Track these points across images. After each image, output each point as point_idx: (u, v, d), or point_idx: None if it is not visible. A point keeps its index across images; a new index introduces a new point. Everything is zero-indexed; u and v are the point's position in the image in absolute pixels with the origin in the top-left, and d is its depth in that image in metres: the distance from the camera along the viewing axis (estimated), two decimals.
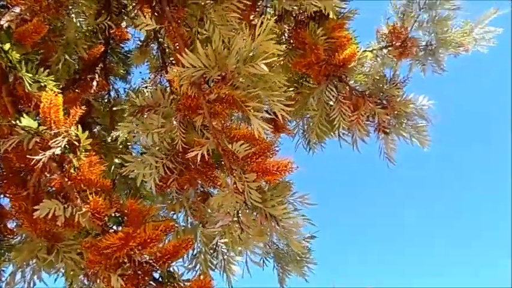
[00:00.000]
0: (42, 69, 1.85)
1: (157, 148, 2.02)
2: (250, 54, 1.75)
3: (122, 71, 3.57)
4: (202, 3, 2.15)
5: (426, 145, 2.54)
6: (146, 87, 3.25)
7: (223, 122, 1.88)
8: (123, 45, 3.81)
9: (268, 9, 2.98)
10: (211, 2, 2.13)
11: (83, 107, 1.87)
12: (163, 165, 1.97)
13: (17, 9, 2.17)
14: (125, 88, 3.77)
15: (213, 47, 1.78)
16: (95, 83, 3.18)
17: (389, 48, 3.79)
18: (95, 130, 3.48)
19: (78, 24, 2.55)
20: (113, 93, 3.64)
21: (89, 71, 3.19)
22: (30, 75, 1.76)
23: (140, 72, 3.45)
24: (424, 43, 3.84)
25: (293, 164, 1.74)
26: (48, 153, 1.69)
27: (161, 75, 3.18)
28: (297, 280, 2.43)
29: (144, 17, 2.08)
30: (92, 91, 3.20)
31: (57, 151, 1.69)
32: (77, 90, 3.10)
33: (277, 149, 1.80)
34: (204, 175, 2.00)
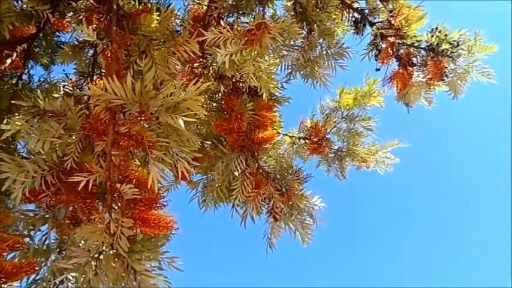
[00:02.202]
0: None
1: (43, 157, 1.86)
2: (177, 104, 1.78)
3: (45, 60, 3.33)
4: (150, 37, 2.16)
5: (306, 243, 2.69)
6: (64, 86, 3.04)
7: (122, 158, 1.82)
8: (59, 34, 3.60)
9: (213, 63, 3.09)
10: (160, 41, 2.15)
11: None
12: (42, 177, 1.81)
13: None
14: (41, 76, 3.51)
15: (144, 84, 1.78)
16: (8, 61, 2.90)
17: (307, 140, 4.13)
18: None
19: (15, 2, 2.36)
20: (25, 77, 3.35)
21: (8, 46, 2.92)
22: None
23: (63, 70, 3.25)
24: (336, 148, 4.24)
25: (175, 223, 1.72)
26: None
27: (84, 82, 3.03)
28: None
29: (88, 26, 2.02)
30: (2, 67, 2.92)
31: None
32: None
33: (165, 203, 1.78)
34: (82, 202, 1.87)
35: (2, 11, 2.17)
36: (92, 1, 2.13)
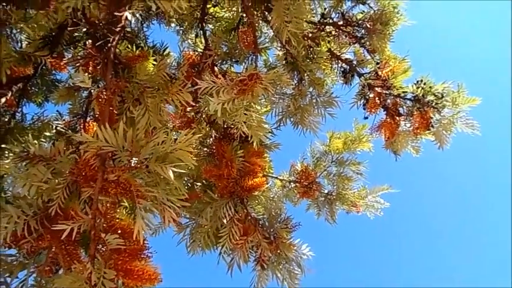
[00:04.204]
0: None
1: (28, 202, 1.84)
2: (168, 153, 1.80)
3: (40, 99, 3.37)
4: (144, 85, 2.22)
5: None
6: (56, 127, 3.06)
7: (109, 206, 1.81)
8: (55, 73, 3.66)
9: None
10: (154, 89, 2.21)
11: None
12: (25, 223, 1.78)
13: None
14: (34, 115, 3.52)
15: (136, 132, 1.81)
16: (3, 100, 2.94)
17: (297, 184, 4.14)
18: None
19: (13, 48, 2.43)
20: (18, 115, 3.37)
21: (3, 86, 2.96)
22: None
23: (57, 111, 3.28)
24: (326, 191, 4.26)
25: (159, 275, 1.69)
26: None
27: (76, 123, 3.06)
28: None
29: (84, 72, 2.08)
30: None
31: None
32: None
33: (150, 254, 1.75)
34: (64, 249, 1.84)
35: (2, 56, 2.22)
36: (90, 50, 2.20)
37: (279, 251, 2.66)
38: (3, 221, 1.74)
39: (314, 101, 3.26)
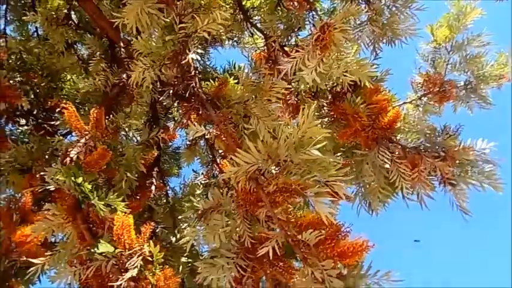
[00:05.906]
0: (111, 193, 1.98)
1: (225, 248, 2.02)
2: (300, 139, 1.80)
3: (175, 170, 3.76)
4: (244, 101, 2.29)
5: (500, 189, 2.37)
6: (200, 183, 3.38)
7: (287, 211, 1.87)
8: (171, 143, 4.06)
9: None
10: (252, 98, 2.26)
11: (152, 224, 1.95)
12: (235, 265, 1.95)
13: (82, 140, 2.41)
14: (180, 184, 3.94)
15: (263, 140, 1.86)
16: (153, 187, 3.35)
17: (429, 95, 3.79)
18: (158, 231, 3.58)
19: (134, 140, 2.78)
20: (170, 192, 3.81)
21: (146, 176, 3.38)
22: (102, 203, 1.89)
23: (190, 167, 3.61)
24: (462, 83, 3.81)
25: (369, 242, 1.68)
26: (127, 275, 1.74)
27: (213, 169, 3.32)
28: None
29: (194, 125, 2.24)
30: (152, 195, 3.37)
31: (135, 272, 1.75)
32: (138, 197, 3.28)
33: (348, 229, 1.76)
34: (278, 268, 1.96)
35: (130, 153, 2.55)
36: (184, 106, 2.37)
37: (457, 161, 2.43)
38: (220, 273, 1.93)
39: (394, 9, 2.95)
